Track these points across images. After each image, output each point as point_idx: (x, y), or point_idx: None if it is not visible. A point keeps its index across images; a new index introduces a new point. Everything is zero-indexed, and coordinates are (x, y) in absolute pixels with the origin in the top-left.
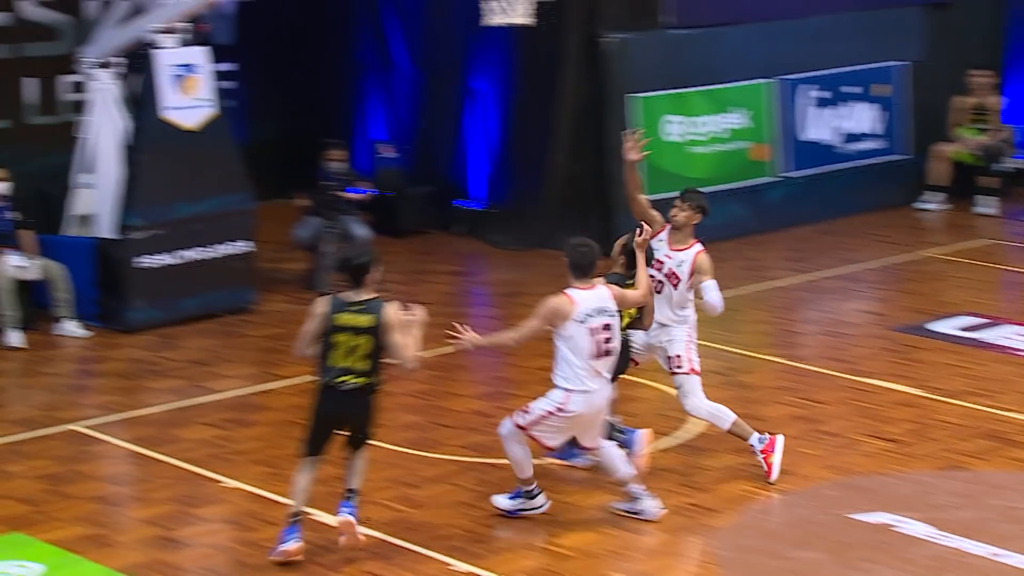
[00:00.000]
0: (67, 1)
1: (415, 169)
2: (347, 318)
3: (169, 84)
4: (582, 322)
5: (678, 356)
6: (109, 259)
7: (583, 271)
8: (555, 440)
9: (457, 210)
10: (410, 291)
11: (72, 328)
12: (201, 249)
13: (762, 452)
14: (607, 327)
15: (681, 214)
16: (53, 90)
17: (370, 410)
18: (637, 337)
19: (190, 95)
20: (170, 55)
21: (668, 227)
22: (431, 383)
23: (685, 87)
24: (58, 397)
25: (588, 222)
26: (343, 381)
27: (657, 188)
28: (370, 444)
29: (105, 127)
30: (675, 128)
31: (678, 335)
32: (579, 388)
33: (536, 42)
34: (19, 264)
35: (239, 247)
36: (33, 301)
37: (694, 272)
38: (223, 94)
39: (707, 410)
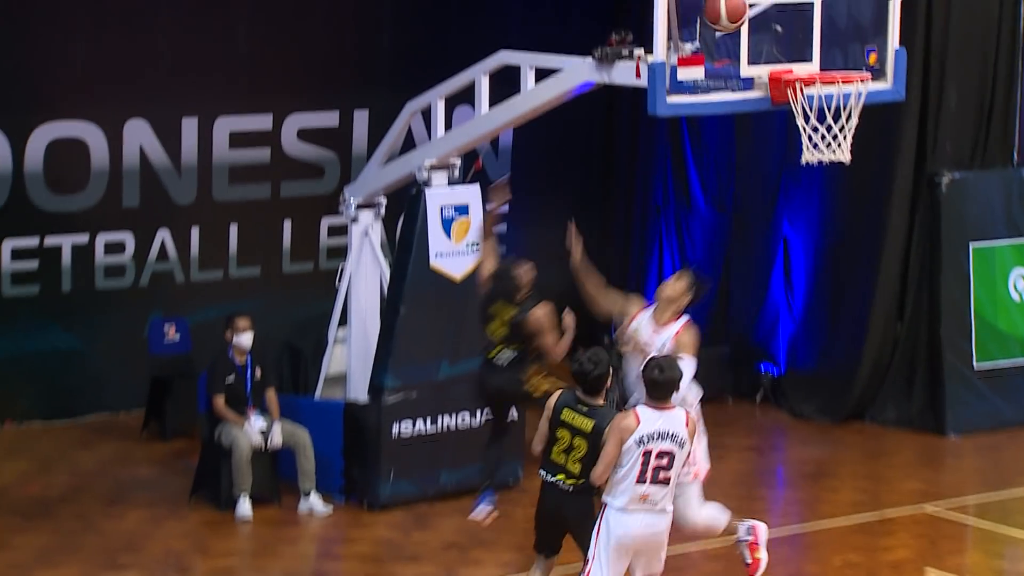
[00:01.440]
0: (332, 135)
1: (709, 325)
2: (571, 416)
3: (439, 228)
4: None
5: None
6: (358, 425)
7: None
8: None
9: (758, 375)
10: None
11: (315, 502)
12: (464, 415)
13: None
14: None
15: (670, 289)
16: (311, 233)
17: (584, 514)
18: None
19: (461, 240)
20: (441, 194)
21: (649, 306)
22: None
23: None
24: None
25: (912, 392)
26: (559, 479)
27: (997, 354)
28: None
29: (365, 275)
30: (1022, 284)
31: None
32: None
33: (859, 181)
34: (261, 428)
35: (511, 413)
36: (275, 470)
37: (675, 349)
38: (496, 239)
39: (703, 522)
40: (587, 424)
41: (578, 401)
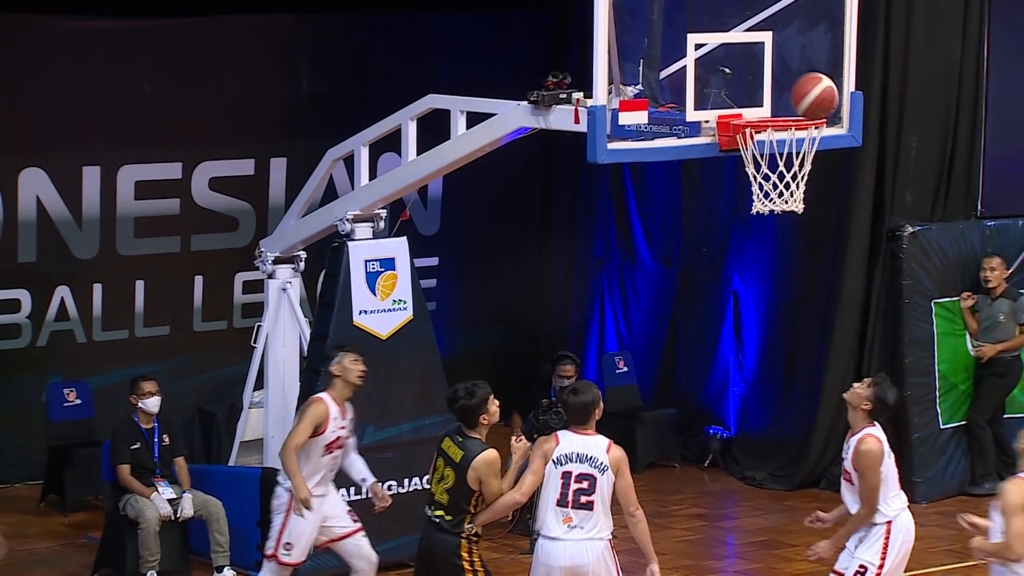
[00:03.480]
0: (246, 185)
1: (655, 387)
2: (448, 444)
3: (363, 283)
4: None
5: None
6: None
7: None
8: None
9: (707, 438)
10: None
11: None
12: (391, 483)
13: None
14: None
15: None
16: (225, 290)
17: (448, 553)
18: None
19: (387, 297)
20: (365, 248)
21: None
22: None
23: None
24: None
25: None
26: (431, 511)
27: (964, 416)
28: None
29: (284, 334)
30: None
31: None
32: None
33: (814, 233)
34: (170, 498)
35: None
36: (186, 543)
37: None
38: (424, 295)
39: None
40: (458, 454)
41: (457, 432)
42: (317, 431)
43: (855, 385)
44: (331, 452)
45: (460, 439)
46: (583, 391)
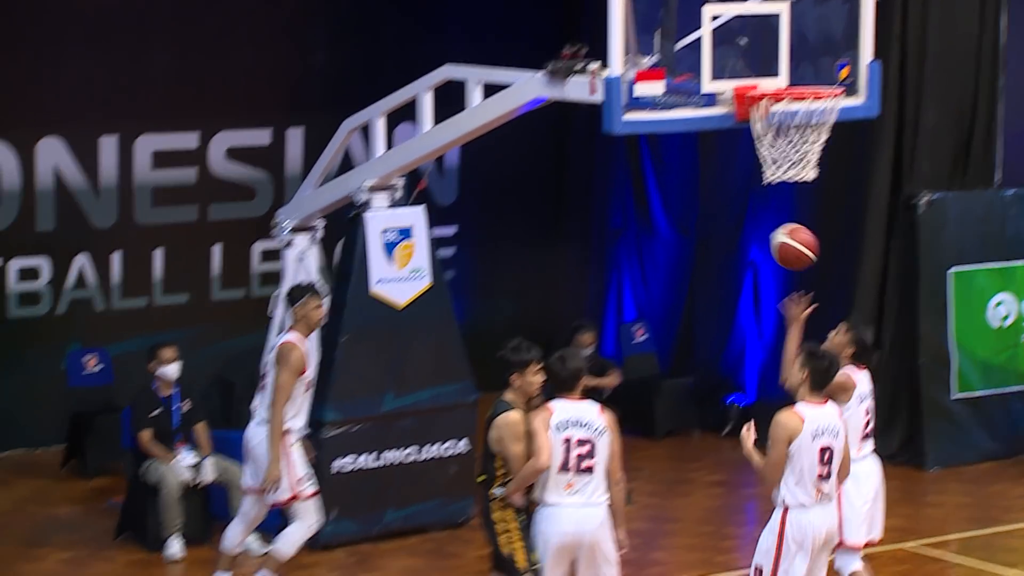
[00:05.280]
0: (263, 155)
1: (674, 356)
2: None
3: (380, 252)
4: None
5: None
6: None
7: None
8: None
9: (726, 406)
10: (667, 505)
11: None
12: (410, 450)
13: None
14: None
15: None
16: (242, 259)
17: (484, 514)
18: None
19: (404, 265)
20: (382, 217)
21: None
22: None
23: (1018, 260)
24: None
25: (890, 424)
26: None
27: (978, 384)
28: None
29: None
30: (1003, 310)
31: None
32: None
33: (831, 203)
34: (190, 464)
35: (456, 448)
36: (207, 508)
37: None
38: (442, 264)
39: None
40: (488, 413)
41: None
42: (299, 374)
43: (832, 335)
44: (308, 389)
45: (498, 400)
46: (571, 359)
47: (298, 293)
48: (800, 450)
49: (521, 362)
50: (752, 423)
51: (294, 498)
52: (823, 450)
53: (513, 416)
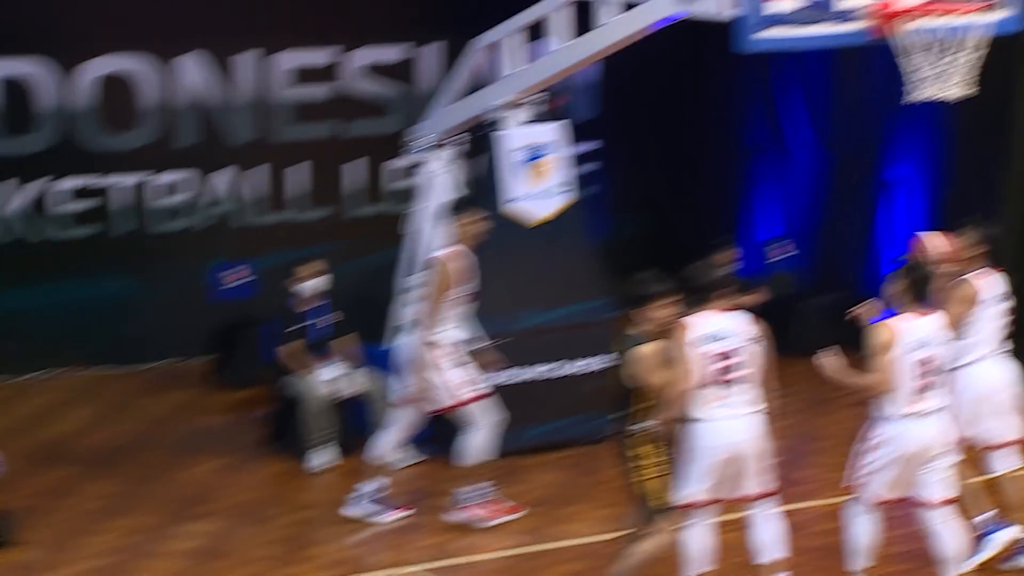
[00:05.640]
0: (398, 70)
1: (816, 274)
2: None
3: (516, 169)
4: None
5: None
6: None
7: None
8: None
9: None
10: (810, 424)
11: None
12: (550, 367)
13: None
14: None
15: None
16: (379, 176)
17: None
18: None
19: (542, 181)
20: (519, 134)
21: None
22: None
23: None
24: (374, 538)
25: None
26: None
27: None
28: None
29: (438, 221)
30: None
31: None
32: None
33: (976, 119)
34: (330, 378)
35: (595, 364)
36: (352, 420)
37: None
38: (582, 180)
39: None
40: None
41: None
42: (453, 286)
43: (951, 239)
44: (473, 302)
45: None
46: (705, 271)
47: (458, 207)
48: (894, 362)
49: (648, 295)
50: (836, 349)
51: (456, 406)
52: (921, 362)
53: (645, 349)
